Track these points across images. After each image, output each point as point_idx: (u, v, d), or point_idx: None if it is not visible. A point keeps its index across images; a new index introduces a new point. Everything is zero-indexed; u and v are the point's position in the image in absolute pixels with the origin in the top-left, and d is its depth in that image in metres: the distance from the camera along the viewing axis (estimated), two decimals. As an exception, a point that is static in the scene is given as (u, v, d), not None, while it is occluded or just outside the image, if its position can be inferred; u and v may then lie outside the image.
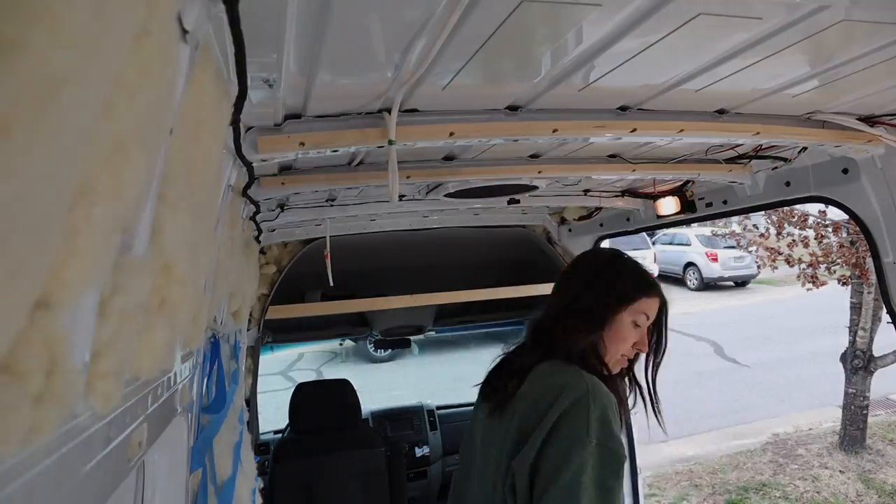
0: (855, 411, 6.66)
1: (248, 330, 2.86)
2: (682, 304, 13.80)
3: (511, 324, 4.69)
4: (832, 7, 0.93)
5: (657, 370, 1.51)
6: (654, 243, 15.86)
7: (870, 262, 5.70)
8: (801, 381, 8.69)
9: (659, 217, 2.67)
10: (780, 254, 7.57)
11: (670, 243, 16.21)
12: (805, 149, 1.92)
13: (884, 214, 1.82)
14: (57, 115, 0.35)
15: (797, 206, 6.94)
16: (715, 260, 15.06)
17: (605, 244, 3.26)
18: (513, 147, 1.75)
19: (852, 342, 6.62)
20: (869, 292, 6.49)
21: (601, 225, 3.25)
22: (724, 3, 0.92)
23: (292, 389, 3.26)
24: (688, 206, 2.53)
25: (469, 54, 1.05)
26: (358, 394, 3.26)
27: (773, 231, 7.60)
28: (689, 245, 15.74)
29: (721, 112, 1.55)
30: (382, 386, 8.58)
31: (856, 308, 6.66)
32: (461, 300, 3.51)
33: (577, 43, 1.05)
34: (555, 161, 2.00)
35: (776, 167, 2.11)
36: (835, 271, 7.03)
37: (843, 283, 6.85)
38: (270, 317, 3.15)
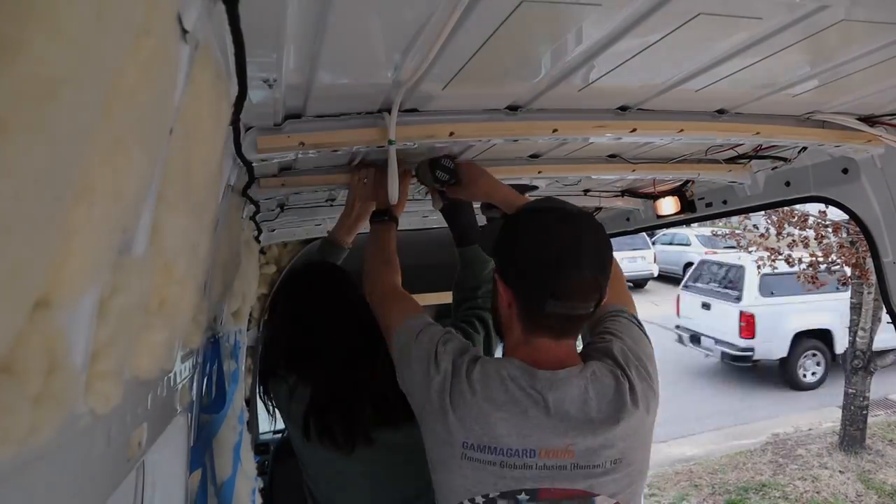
0: (855, 411, 6.67)
1: (248, 330, 2.86)
2: (681, 304, 13.82)
3: (511, 324, 4.69)
4: (832, 7, 0.93)
5: None
6: (654, 243, 15.87)
7: (870, 262, 5.71)
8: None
9: (659, 217, 2.67)
10: (780, 254, 7.57)
11: (670, 243, 16.22)
12: (805, 149, 1.92)
13: (884, 214, 1.82)
14: (57, 115, 0.35)
15: (797, 206, 6.94)
16: (715, 260, 15.03)
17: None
18: (513, 147, 1.75)
19: (852, 342, 6.62)
20: (869, 292, 6.49)
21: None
22: (724, 3, 0.92)
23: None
24: (688, 205, 2.53)
25: (469, 54, 1.05)
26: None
27: (773, 231, 7.60)
28: (689, 245, 15.74)
29: (721, 112, 1.55)
30: (382, 386, 8.56)
31: (856, 308, 6.66)
32: (461, 300, 3.51)
33: (577, 43, 1.05)
34: (555, 161, 2.00)
35: (776, 167, 2.11)
36: (835, 271, 7.03)
37: (843, 284, 6.85)
38: (270, 317, 3.14)
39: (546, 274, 1.14)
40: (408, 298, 1.46)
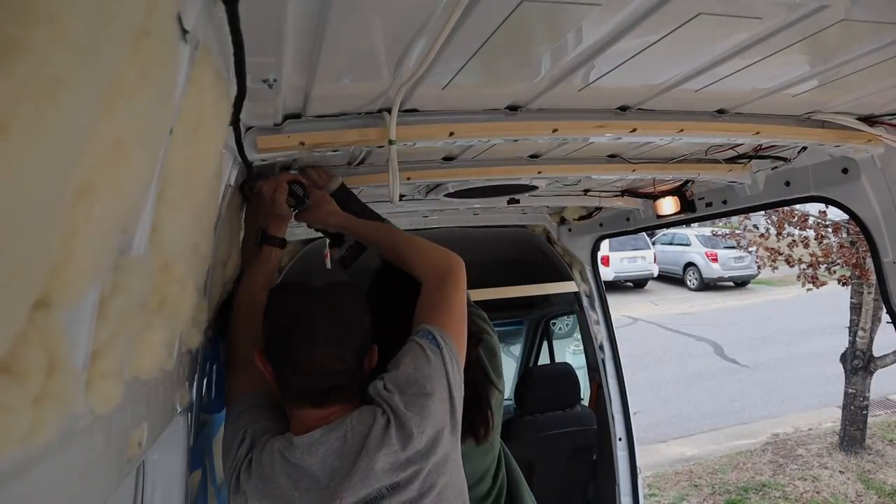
0: (855, 411, 6.66)
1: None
2: (681, 305, 13.82)
3: (511, 323, 4.69)
4: (832, 7, 0.93)
5: None
6: (653, 243, 15.87)
7: (870, 262, 5.70)
8: (800, 381, 8.69)
9: (659, 217, 2.67)
10: (781, 254, 7.57)
11: (670, 243, 16.21)
12: (805, 149, 1.92)
13: (884, 214, 1.81)
14: (57, 115, 0.35)
15: (797, 206, 6.94)
16: (715, 260, 15.06)
17: (605, 244, 3.26)
18: (513, 147, 1.75)
19: (852, 342, 6.61)
20: (869, 292, 6.48)
21: (601, 225, 3.25)
22: (724, 2, 0.92)
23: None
24: (688, 205, 2.53)
25: (469, 54, 1.05)
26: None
27: (773, 231, 7.60)
28: (688, 245, 15.74)
29: (721, 112, 1.55)
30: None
31: (856, 308, 6.66)
32: (461, 300, 3.51)
33: (577, 43, 1.05)
34: (555, 161, 1.99)
35: (776, 167, 2.11)
36: (835, 271, 7.03)
37: (844, 284, 6.84)
38: (270, 316, 3.14)
39: (283, 351, 1.17)
40: (245, 373, 1.35)
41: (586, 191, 2.70)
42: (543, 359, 4.45)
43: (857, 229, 2.12)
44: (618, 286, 14.90)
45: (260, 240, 1.55)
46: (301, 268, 3.13)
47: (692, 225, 14.51)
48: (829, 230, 6.97)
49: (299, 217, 1.60)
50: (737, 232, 9.89)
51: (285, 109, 1.27)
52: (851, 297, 6.75)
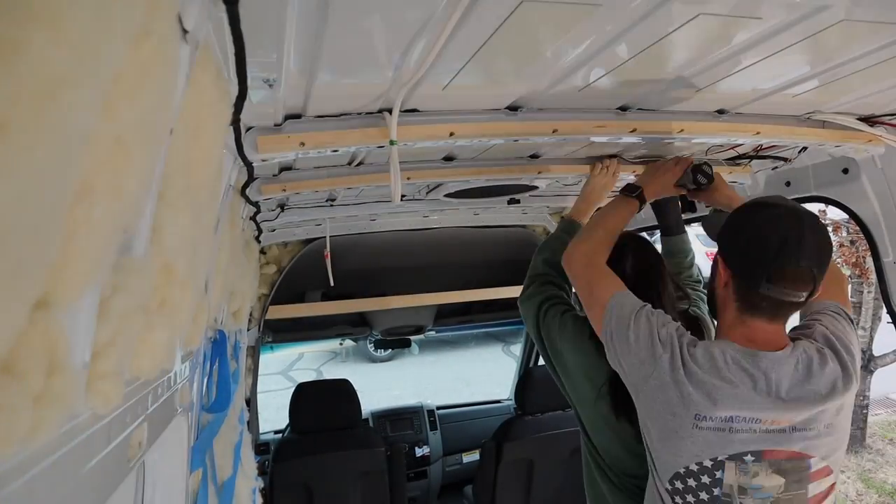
0: (855, 410, 6.66)
1: (248, 330, 2.86)
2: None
3: (511, 323, 4.70)
4: (832, 7, 0.93)
5: None
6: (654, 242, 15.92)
7: (870, 261, 5.71)
8: (801, 380, 8.69)
9: (659, 217, 2.66)
10: (780, 253, 7.56)
11: (670, 243, 16.25)
12: (805, 149, 1.93)
13: (884, 214, 1.82)
14: (57, 115, 0.35)
15: (797, 206, 6.93)
16: (715, 259, 15.11)
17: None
18: (513, 147, 1.75)
19: (852, 342, 6.61)
20: (869, 291, 6.49)
21: (601, 225, 3.24)
22: (724, 3, 0.92)
23: (292, 389, 3.26)
24: (688, 205, 2.53)
25: (469, 54, 1.05)
26: (358, 394, 3.26)
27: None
28: (688, 245, 15.79)
29: (721, 112, 1.55)
30: (382, 386, 8.58)
31: (855, 307, 6.66)
32: (461, 300, 3.52)
33: (578, 43, 1.05)
34: (555, 161, 2.00)
35: (776, 167, 2.11)
36: (834, 271, 7.02)
37: (843, 283, 6.84)
38: (270, 317, 3.15)
39: (766, 258, 1.27)
40: (613, 275, 1.53)
41: (586, 191, 2.69)
42: (543, 359, 4.45)
43: (857, 228, 2.13)
44: (618, 286, 14.91)
45: (627, 191, 1.81)
46: (301, 267, 3.13)
47: (692, 224, 14.52)
48: (830, 229, 6.97)
49: (698, 195, 1.90)
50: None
51: (286, 109, 1.27)
52: (851, 296, 6.75)
